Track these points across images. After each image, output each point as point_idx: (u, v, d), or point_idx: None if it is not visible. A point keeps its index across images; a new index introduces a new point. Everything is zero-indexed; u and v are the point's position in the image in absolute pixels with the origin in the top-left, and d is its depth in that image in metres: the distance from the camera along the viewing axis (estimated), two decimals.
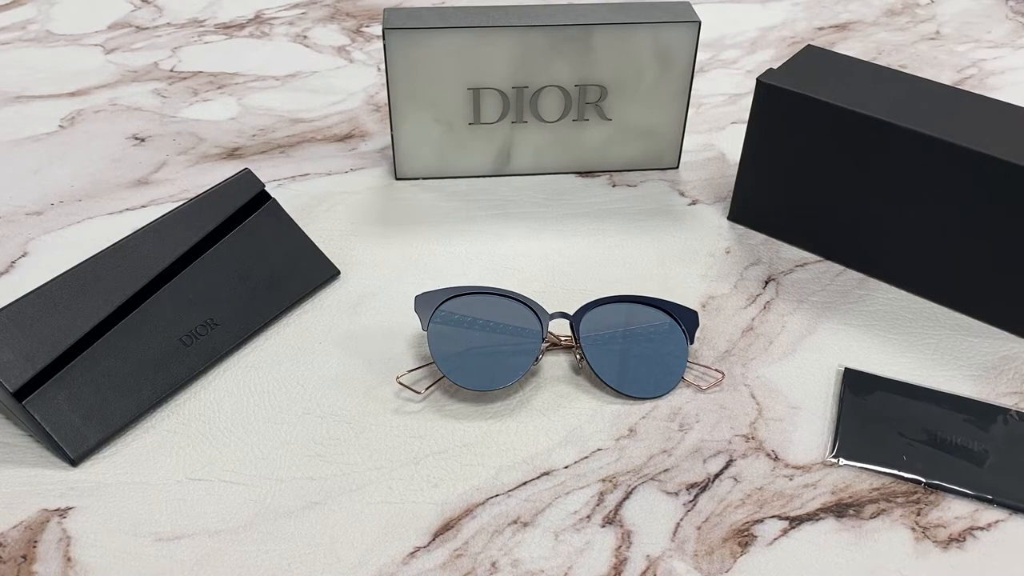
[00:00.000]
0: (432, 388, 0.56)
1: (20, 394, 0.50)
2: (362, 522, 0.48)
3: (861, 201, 0.63)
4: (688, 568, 0.47)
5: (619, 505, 0.50)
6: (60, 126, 0.81)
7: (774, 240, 0.68)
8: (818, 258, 0.67)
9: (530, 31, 0.67)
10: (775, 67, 0.64)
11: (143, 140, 0.79)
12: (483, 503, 0.49)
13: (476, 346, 0.56)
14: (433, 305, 0.56)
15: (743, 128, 0.67)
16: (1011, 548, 0.48)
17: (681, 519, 0.49)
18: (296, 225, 0.63)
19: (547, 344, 0.58)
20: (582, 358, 0.56)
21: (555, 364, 0.58)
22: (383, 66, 0.68)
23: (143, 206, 0.71)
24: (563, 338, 0.58)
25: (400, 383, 0.55)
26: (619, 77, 0.70)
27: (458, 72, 0.69)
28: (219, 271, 0.58)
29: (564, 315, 0.57)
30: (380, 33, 0.84)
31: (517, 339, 0.56)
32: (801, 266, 0.66)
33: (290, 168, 0.76)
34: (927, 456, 0.51)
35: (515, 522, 0.49)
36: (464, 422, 0.54)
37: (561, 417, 0.54)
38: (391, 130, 0.71)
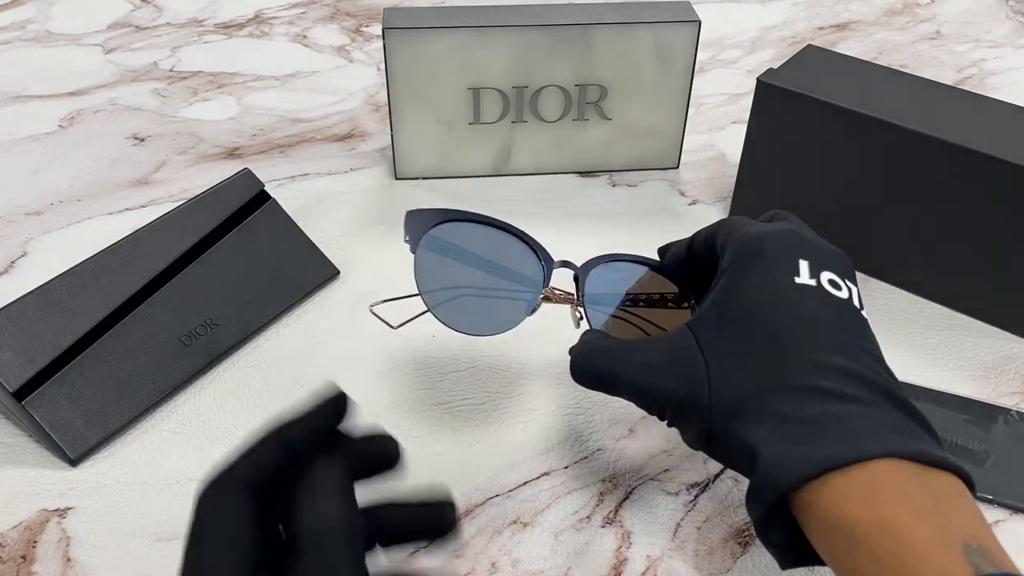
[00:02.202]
0: (408, 321, 0.51)
1: (20, 394, 0.50)
2: None
3: (861, 201, 0.63)
4: (688, 568, 0.46)
5: (619, 505, 0.50)
6: (60, 126, 0.81)
7: None
8: None
9: (530, 31, 0.67)
10: (775, 67, 0.64)
11: (143, 140, 0.79)
12: (483, 503, 0.49)
13: (468, 284, 0.50)
14: (426, 226, 0.49)
15: (743, 128, 0.66)
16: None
17: (681, 519, 0.49)
18: (296, 225, 0.63)
19: (544, 295, 0.51)
20: (583, 317, 0.50)
21: (555, 364, 0.58)
22: (383, 66, 0.68)
23: (143, 206, 0.71)
24: (565, 292, 0.51)
25: (372, 312, 0.51)
26: (619, 77, 0.70)
27: (458, 72, 0.69)
28: (219, 271, 0.58)
29: (570, 265, 0.51)
30: (380, 33, 0.84)
31: (516, 285, 0.50)
32: None
33: (290, 168, 0.76)
34: None
35: (515, 522, 0.48)
36: (464, 422, 0.54)
37: (561, 417, 0.54)
38: (391, 130, 0.71)
